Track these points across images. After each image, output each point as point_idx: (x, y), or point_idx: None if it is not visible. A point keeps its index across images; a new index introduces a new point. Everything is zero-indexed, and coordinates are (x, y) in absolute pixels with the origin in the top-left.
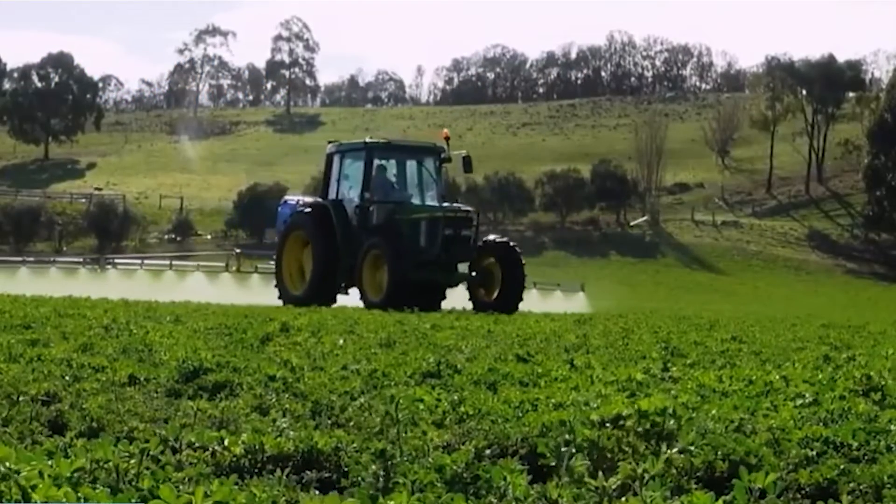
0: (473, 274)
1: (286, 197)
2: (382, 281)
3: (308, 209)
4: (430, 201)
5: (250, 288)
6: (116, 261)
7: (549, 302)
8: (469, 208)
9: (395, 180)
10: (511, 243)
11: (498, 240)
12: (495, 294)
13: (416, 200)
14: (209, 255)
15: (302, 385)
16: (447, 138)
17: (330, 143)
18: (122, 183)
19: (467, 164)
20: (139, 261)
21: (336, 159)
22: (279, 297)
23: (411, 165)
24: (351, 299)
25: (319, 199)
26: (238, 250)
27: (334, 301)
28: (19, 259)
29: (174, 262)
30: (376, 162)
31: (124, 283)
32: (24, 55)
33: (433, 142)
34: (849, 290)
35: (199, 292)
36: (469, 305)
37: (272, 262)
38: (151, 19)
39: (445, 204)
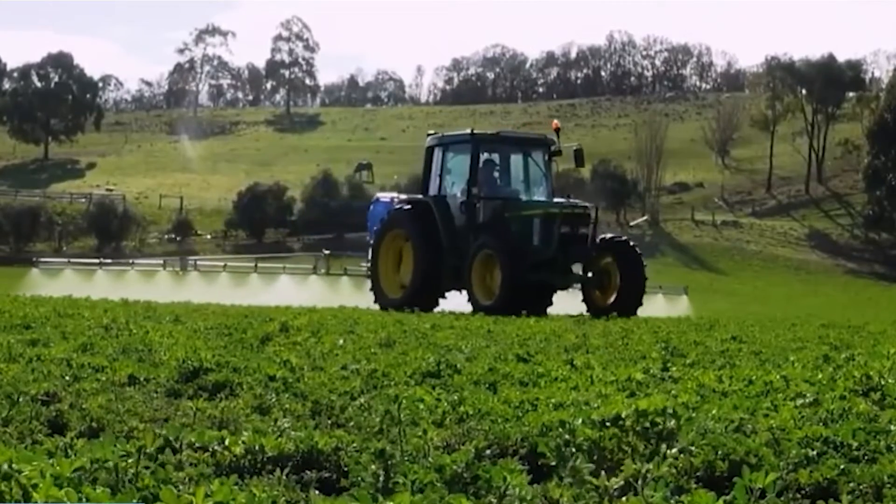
0: (590, 275)
1: (378, 195)
2: (493, 283)
3: (408, 206)
4: (539, 197)
5: (340, 291)
6: (199, 262)
7: (654, 306)
8: (587, 204)
9: (499, 174)
10: (630, 242)
11: (616, 238)
12: (612, 297)
13: (523, 196)
14: (296, 257)
15: (302, 385)
16: (557, 130)
17: (430, 134)
18: (122, 183)
19: (579, 157)
20: (222, 262)
21: (437, 152)
22: (375, 302)
23: (517, 159)
24: (449, 303)
25: (419, 196)
26: (327, 251)
27: (437, 305)
28: (96, 261)
29: (259, 265)
30: (483, 155)
31: (211, 288)
32: (24, 55)
33: (543, 134)
34: (849, 290)
35: (289, 297)
36: (581, 308)
37: (363, 265)
38: (151, 19)
39: (560, 199)
